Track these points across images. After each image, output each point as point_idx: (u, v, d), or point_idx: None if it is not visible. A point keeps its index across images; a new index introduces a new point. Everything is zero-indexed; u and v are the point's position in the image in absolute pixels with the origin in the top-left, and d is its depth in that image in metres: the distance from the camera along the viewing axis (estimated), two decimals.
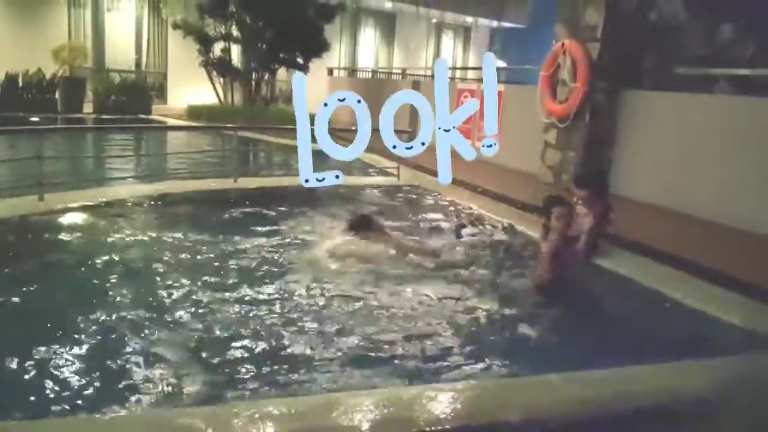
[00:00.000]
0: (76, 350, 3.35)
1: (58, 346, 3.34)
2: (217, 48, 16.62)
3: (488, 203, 7.90)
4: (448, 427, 2.58)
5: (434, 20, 25.30)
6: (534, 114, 9.39)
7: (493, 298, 4.59)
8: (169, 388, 3.04)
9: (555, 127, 8.82)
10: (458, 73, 23.63)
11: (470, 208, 7.58)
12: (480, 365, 3.51)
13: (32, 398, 2.90)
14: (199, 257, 5.04)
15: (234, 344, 3.55)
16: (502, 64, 28.19)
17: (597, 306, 4.71)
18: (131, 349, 3.40)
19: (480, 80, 16.33)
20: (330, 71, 20.33)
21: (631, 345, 3.81)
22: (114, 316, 3.79)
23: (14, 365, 3.15)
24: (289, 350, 3.52)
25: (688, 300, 4.57)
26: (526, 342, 3.92)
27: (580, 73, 8.23)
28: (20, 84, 15.53)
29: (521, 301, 4.61)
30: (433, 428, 2.58)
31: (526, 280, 5.02)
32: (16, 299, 3.98)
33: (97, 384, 3.03)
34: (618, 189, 7.70)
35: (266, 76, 17.09)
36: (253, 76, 16.76)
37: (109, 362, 3.25)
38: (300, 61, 16.25)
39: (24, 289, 4.14)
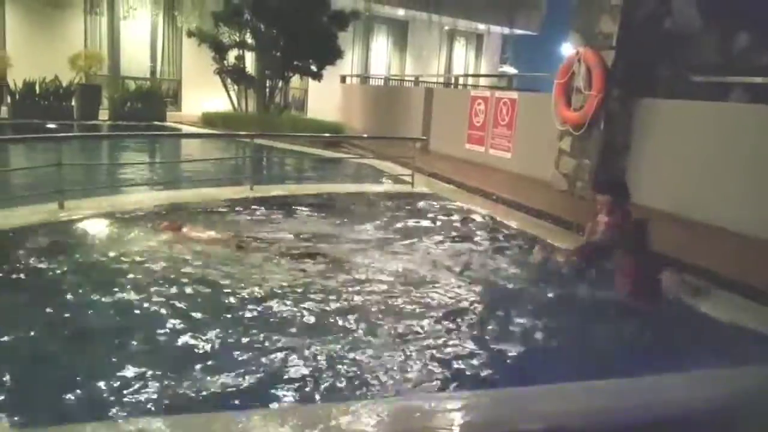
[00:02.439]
0: (103, 356, 3.39)
1: (90, 353, 3.39)
2: (232, 55, 16.72)
3: (503, 211, 7.91)
4: None
5: (446, 27, 25.33)
6: (547, 121, 9.42)
7: (507, 304, 4.59)
8: (192, 394, 3.07)
9: (570, 134, 8.84)
10: (470, 80, 23.67)
11: (487, 217, 7.59)
12: (496, 373, 3.52)
13: (65, 403, 2.93)
14: (217, 264, 5.08)
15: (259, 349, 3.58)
16: (513, 71, 28.24)
17: (616, 316, 4.70)
18: (150, 355, 3.43)
19: (492, 88, 16.38)
20: (343, 78, 20.41)
21: (650, 354, 3.81)
22: (134, 322, 3.83)
23: (35, 373, 3.20)
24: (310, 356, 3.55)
25: (707, 309, 4.56)
26: (545, 350, 3.92)
27: (595, 80, 8.25)
28: (37, 91, 15.69)
29: (537, 307, 4.61)
30: None
31: (545, 288, 5.02)
32: (39, 306, 4.03)
33: (119, 389, 3.07)
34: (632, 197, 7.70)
35: (280, 84, 17.17)
36: (267, 84, 16.85)
37: (129, 367, 3.29)
38: (314, 68, 16.32)
39: (47, 296, 4.20)
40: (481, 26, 25.61)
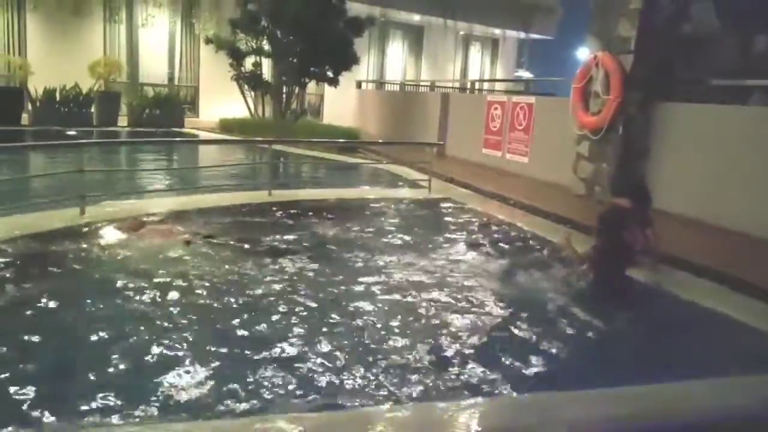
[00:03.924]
0: (130, 362, 3.42)
1: (113, 358, 3.41)
2: (249, 62, 16.82)
3: (521, 216, 7.89)
4: None
5: (462, 32, 25.33)
6: (565, 126, 9.38)
7: (529, 310, 4.58)
8: (208, 398, 3.09)
9: (588, 139, 8.79)
10: (486, 85, 23.65)
11: (504, 221, 7.57)
12: (521, 378, 3.51)
13: (91, 406, 2.96)
14: (236, 268, 5.11)
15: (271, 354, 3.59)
16: (529, 75, 28.17)
17: (638, 320, 4.66)
18: (173, 358, 3.46)
19: (509, 92, 16.35)
20: (359, 84, 20.47)
21: (672, 360, 3.78)
22: (155, 327, 3.86)
23: (60, 377, 3.23)
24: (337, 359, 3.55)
25: (732, 314, 4.51)
26: (566, 356, 3.90)
27: (613, 85, 8.21)
28: (58, 98, 15.88)
29: (559, 312, 4.59)
30: None
31: (564, 293, 5.00)
32: (63, 311, 4.08)
33: (152, 392, 3.09)
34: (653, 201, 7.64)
35: (296, 90, 17.25)
36: (284, 90, 16.93)
37: (152, 372, 3.31)
38: (330, 74, 16.38)
39: (70, 301, 4.25)
40: (497, 31, 25.59)
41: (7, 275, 4.58)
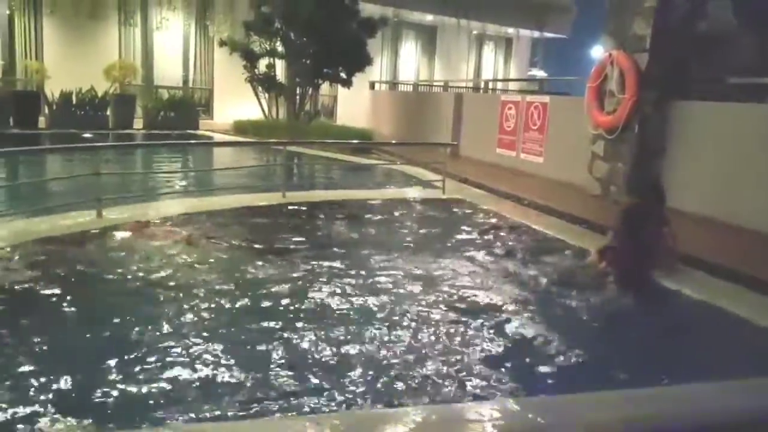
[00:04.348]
0: (154, 364, 3.45)
1: (137, 360, 3.44)
2: (262, 64, 16.90)
3: (536, 216, 7.86)
4: None
5: (475, 32, 25.27)
6: (580, 125, 9.34)
7: (544, 311, 4.56)
8: (224, 397, 3.11)
9: (603, 138, 8.75)
10: (499, 85, 23.57)
11: (519, 222, 7.54)
12: (537, 380, 3.50)
13: (118, 408, 2.99)
14: (252, 269, 5.13)
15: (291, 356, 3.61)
16: (543, 74, 28.05)
17: (654, 320, 4.64)
18: (195, 361, 3.48)
19: (523, 92, 16.29)
20: (372, 85, 20.47)
21: (690, 361, 3.75)
22: (174, 329, 3.89)
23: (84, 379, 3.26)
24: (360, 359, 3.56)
25: (747, 314, 4.47)
26: (583, 357, 3.88)
27: (628, 83, 8.17)
28: (74, 101, 16.03)
29: (575, 312, 4.57)
30: None
31: (581, 292, 4.98)
32: (85, 313, 4.12)
33: (176, 393, 3.12)
34: (668, 200, 7.59)
35: (310, 91, 17.30)
36: (297, 91, 16.99)
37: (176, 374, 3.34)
38: (343, 75, 16.41)
39: (93, 302, 4.29)
40: (511, 30, 25.50)
41: (28, 278, 4.64)
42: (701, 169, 7.82)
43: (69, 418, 2.86)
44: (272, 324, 4.06)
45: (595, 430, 2.74)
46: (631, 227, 5.27)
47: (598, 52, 28.89)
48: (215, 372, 3.37)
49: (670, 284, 5.23)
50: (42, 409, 2.93)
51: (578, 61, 32.75)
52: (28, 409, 2.92)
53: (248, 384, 3.26)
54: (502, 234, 7.00)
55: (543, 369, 3.66)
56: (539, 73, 28.13)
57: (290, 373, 3.40)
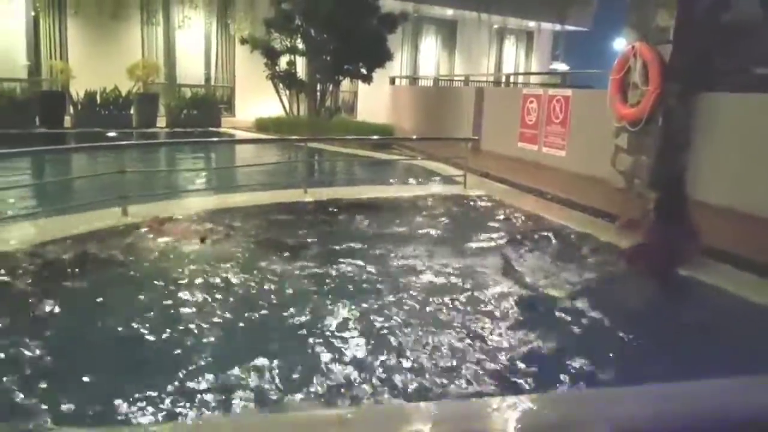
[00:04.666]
0: (182, 361, 3.49)
1: (165, 356, 3.49)
2: (283, 61, 16.96)
3: (559, 210, 7.80)
4: None
5: (496, 26, 25.12)
6: (603, 118, 9.26)
7: (571, 305, 4.54)
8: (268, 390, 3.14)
9: (626, 131, 8.66)
10: (520, 78, 23.41)
11: (542, 216, 7.50)
12: (570, 374, 3.49)
13: (149, 401, 3.04)
14: (277, 266, 5.17)
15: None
16: (565, 68, 27.80)
17: (683, 317, 4.59)
18: (222, 357, 3.52)
19: (545, 85, 16.17)
20: (392, 80, 20.44)
21: (723, 356, 3.71)
22: (200, 325, 3.93)
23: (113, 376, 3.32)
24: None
25: None
26: (615, 351, 3.87)
27: (652, 75, 8.08)
28: (98, 101, 16.23)
29: (607, 309, 4.54)
30: None
31: (607, 286, 4.95)
32: (111, 309, 4.18)
33: (214, 387, 3.16)
34: (693, 193, 7.50)
35: (330, 87, 17.34)
36: (318, 88, 17.03)
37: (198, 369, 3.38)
38: (363, 71, 16.41)
39: (118, 298, 4.36)
40: (532, 23, 25.32)
41: (56, 275, 4.72)
42: (727, 160, 7.71)
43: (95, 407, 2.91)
44: (296, 320, 4.09)
45: (626, 425, 2.73)
46: (657, 221, 5.21)
47: (620, 44, 28.60)
48: (239, 366, 3.40)
49: (698, 277, 5.17)
50: (71, 397, 2.98)
51: (600, 53, 32.41)
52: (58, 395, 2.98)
53: (274, 378, 3.29)
54: (525, 228, 6.98)
55: (573, 363, 3.63)
56: (561, 67, 27.88)
57: (316, 368, 3.42)
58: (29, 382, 3.16)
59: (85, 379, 3.24)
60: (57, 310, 4.12)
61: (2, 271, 4.71)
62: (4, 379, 3.17)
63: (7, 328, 3.80)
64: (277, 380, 3.28)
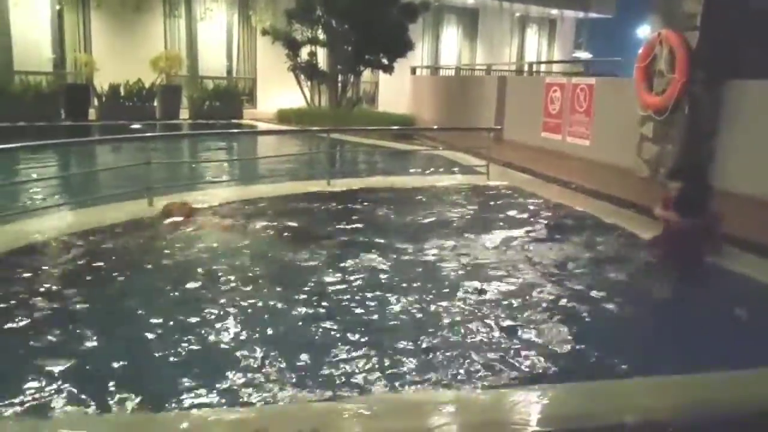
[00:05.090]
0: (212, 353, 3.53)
1: (192, 349, 3.53)
2: (304, 52, 16.97)
3: (583, 200, 7.74)
4: (564, 427, 2.57)
5: (518, 14, 24.92)
6: (628, 107, 9.15)
7: (599, 295, 4.51)
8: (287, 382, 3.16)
9: (652, 119, 8.55)
10: (543, 67, 23.20)
11: (566, 206, 7.45)
12: (592, 365, 3.47)
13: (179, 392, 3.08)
14: (302, 255, 5.20)
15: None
16: (588, 56, 27.52)
17: (714, 308, 4.53)
18: (248, 348, 3.55)
19: (568, 74, 16.02)
20: (413, 70, 20.36)
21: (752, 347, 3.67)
22: (224, 316, 3.97)
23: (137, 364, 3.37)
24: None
25: None
26: (643, 341, 3.84)
27: (678, 63, 7.96)
28: (122, 93, 16.39)
29: (634, 299, 4.52)
30: (549, 429, 2.57)
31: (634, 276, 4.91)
32: (138, 299, 4.24)
33: (236, 378, 3.20)
34: (720, 182, 7.40)
35: (351, 78, 17.33)
36: (339, 79, 17.04)
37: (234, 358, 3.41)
38: (385, 61, 16.37)
39: (145, 289, 4.42)
40: (554, 11, 25.05)
41: (86, 265, 4.79)
42: (754, 149, 7.57)
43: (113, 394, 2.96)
44: (321, 310, 4.11)
45: (650, 415, 2.72)
46: (682, 211, 5.15)
47: (644, 31, 28.22)
48: (265, 355, 3.43)
49: (725, 265, 5.12)
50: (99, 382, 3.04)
51: (623, 41, 32.02)
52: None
53: (303, 366, 3.32)
54: (550, 218, 6.93)
55: (601, 353, 3.61)
56: (583, 55, 27.60)
57: (340, 357, 3.44)
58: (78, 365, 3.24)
59: (131, 363, 3.30)
60: (83, 297, 4.19)
61: (40, 260, 4.82)
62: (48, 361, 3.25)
63: (50, 315, 3.88)
64: (299, 368, 3.30)
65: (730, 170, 7.63)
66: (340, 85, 17.06)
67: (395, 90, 19.43)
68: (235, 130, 14.76)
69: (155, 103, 16.92)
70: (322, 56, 17.56)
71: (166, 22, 19.05)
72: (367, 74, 18.93)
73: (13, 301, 4.02)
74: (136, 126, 14.55)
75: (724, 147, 7.90)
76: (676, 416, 2.79)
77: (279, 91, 18.49)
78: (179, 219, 6.06)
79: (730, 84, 7.92)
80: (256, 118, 17.53)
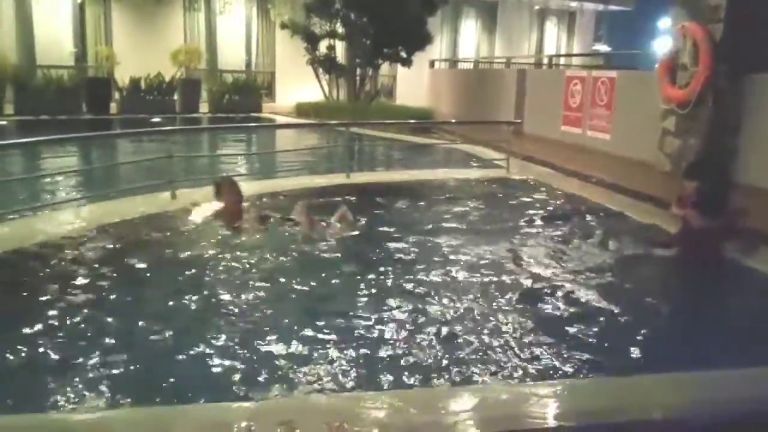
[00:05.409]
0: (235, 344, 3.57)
1: (215, 340, 3.57)
2: (323, 45, 16.99)
3: (604, 194, 7.69)
4: (585, 423, 2.57)
5: (537, 7, 24.74)
6: (648, 100, 9.08)
7: (620, 291, 4.49)
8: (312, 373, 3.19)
9: (674, 113, 8.47)
10: (562, 60, 23.02)
11: (587, 201, 7.41)
12: (613, 360, 3.47)
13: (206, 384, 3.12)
14: (321, 250, 5.22)
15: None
16: (607, 49, 27.27)
17: (738, 306, 4.50)
18: (266, 339, 3.59)
19: (588, 67, 15.89)
20: (431, 64, 20.31)
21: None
22: (246, 308, 4.01)
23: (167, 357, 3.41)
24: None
25: None
26: (667, 337, 3.82)
27: (702, 56, 7.87)
28: (143, 87, 16.53)
29: (657, 296, 4.49)
30: (571, 424, 2.57)
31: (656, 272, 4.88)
32: (163, 291, 4.29)
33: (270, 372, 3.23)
34: (744, 178, 7.33)
35: (370, 72, 17.32)
36: (358, 72, 17.04)
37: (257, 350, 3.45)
38: (403, 55, 16.35)
39: (170, 280, 4.48)
40: (574, 4, 24.85)
41: (112, 257, 4.86)
42: None
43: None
44: (340, 306, 4.12)
45: (672, 411, 2.71)
46: (702, 210, 5.07)
47: (664, 23, 27.90)
48: (288, 347, 3.46)
49: (748, 263, 5.07)
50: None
51: (644, 34, 31.68)
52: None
53: (323, 360, 3.35)
54: (570, 212, 6.89)
55: (626, 349, 3.60)
56: (603, 48, 27.35)
57: (361, 352, 3.45)
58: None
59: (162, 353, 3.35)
60: (110, 289, 4.25)
61: (69, 253, 4.90)
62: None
63: (81, 303, 3.98)
64: (323, 360, 3.33)
65: (754, 164, 7.54)
66: (358, 78, 17.06)
67: (413, 83, 19.39)
68: (258, 124, 14.83)
69: (175, 97, 17.05)
70: (340, 50, 17.56)
71: (186, 16, 19.18)
72: (385, 67, 18.91)
73: (54, 288, 4.15)
74: (156, 119, 14.67)
75: (748, 141, 7.81)
76: (699, 412, 2.78)
77: (297, 85, 18.54)
78: (204, 211, 6.09)
79: (754, 77, 7.82)
80: (274, 112, 17.60)
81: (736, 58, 7.80)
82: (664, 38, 9.79)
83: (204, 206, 6.18)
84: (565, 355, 3.47)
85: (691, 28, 8.08)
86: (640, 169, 9.01)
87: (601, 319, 4.05)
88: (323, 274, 4.65)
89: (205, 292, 4.26)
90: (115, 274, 4.54)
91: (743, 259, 5.08)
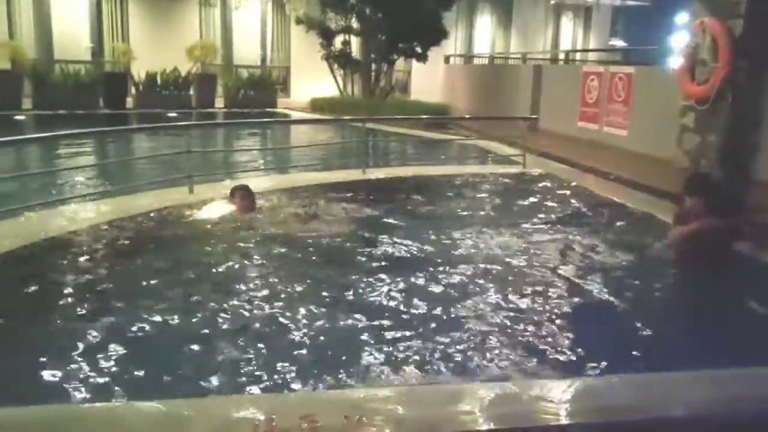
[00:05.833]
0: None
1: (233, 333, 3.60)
2: (338, 41, 16.98)
3: (621, 191, 7.64)
4: (614, 419, 2.56)
5: (553, 2, 24.57)
6: (667, 96, 9.00)
7: (636, 287, 4.47)
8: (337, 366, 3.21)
9: (693, 109, 8.39)
10: (578, 56, 22.85)
11: (604, 197, 7.37)
12: (645, 357, 3.46)
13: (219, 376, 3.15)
14: (340, 243, 5.24)
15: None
16: (624, 44, 27.00)
17: (743, 297, 4.46)
18: (289, 335, 3.61)
19: (604, 63, 15.77)
20: (446, 59, 20.23)
21: None
22: (265, 301, 4.03)
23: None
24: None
25: None
26: (678, 334, 3.80)
27: (721, 52, 7.79)
28: (158, 82, 16.60)
29: (674, 292, 4.47)
30: (587, 421, 2.56)
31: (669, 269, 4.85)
32: (182, 284, 4.33)
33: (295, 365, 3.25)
34: (765, 174, 7.27)
35: (385, 67, 17.30)
36: (372, 68, 17.02)
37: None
38: (418, 50, 16.31)
39: (188, 273, 4.51)
40: None
41: (132, 249, 4.91)
42: None
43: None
44: (361, 299, 4.14)
45: (699, 409, 2.69)
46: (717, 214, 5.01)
47: (682, 19, 27.58)
48: (304, 340, 3.48)
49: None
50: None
51: (661, 29, 31.36)
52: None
53: (342, 352, 3.36)
54: (587, 208, 6.86)
55: (639, 346, 3.59)
56: (619, 43, 27.11)
57: (377, 347, 3.46)
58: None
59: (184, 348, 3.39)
60: (128, 281, 4.30)
61: (91, 245, 4.97)
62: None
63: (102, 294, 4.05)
64: (338, 353, 3.35)
65: None
66: (373, 74, 17.04)
67: (428, 79, 19.32)
68: (273, 119, 14.87)
69: (191, 92, 17.12)
70: (355, 45, 17.55)
71: (202, 11, 19.23)
72: (400, 63, 18.87)
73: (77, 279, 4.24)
74: (172, 114, 14.73)
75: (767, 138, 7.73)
76: (726, 411, 2.75)
77: (312, 80, 18.54)
78: (221, 206, 6.13)
79: None
80: (289, 107, 17.63)
81: (756, 54, 7.72)
82: (682, 34, 9.68)
83: (219, 203, 6.24)
84: (582, 353, 3.47)
85: (711, 24, 7.99)
86: (657, 165, 8.94)
87: (618, 316, 4.05)
88: (342, 266, 4.67)
89: (225, 286, 4.29)
90: (137, 264, 4.63)
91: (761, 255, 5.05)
